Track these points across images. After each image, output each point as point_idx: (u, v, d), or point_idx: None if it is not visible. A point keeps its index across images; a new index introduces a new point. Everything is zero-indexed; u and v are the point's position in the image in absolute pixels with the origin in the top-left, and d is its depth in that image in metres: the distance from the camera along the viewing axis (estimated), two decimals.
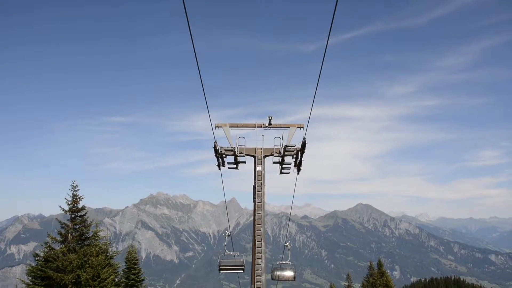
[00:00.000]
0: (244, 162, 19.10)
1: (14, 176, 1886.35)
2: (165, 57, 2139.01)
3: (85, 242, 26.01)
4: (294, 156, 18.49)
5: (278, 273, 19.63)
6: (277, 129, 18.81)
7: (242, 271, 18.86)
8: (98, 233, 26.61)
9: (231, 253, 19.35)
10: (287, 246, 20.91)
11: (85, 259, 24.41)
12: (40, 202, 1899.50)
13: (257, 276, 16.75)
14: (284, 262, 20.00)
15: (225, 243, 20.01)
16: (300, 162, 18.57)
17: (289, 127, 18.71)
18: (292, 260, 20.05)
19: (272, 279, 19.86)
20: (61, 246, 25.16)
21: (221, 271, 19.29)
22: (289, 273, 19.71)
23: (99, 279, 23.72)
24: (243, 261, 18.75)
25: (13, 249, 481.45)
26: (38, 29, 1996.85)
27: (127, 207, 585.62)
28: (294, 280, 19.90)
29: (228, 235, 20.96)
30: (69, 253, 24.46)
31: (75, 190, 26.04)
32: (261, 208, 17.70)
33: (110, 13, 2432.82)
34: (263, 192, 17.99)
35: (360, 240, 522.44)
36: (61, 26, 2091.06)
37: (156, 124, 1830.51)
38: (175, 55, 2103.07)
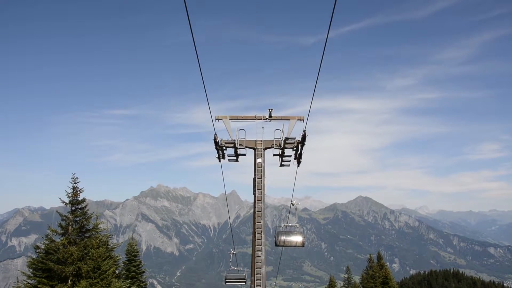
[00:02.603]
0: (244, 155, 19.06)
1: (15, 169, 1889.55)
2: (165, 50, 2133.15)
3: (85, 235, 26.01)
4: (294, 148, 18.42)
5: (283, 238, 17.65)
6: (278, 121, 18.74)
7: (244, 283, 20.84)
8: (99, 226, 26.59)
9: (235, 268, 21.85)
10: (293, 204, 18.64)
11: (86, 251, 24.44)
12: (40, 194, 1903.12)
13: (257, 268, 16.78)
14: (290, 224, 18.35)
15: (230, 260, 22.59)
16: (300, 154, 18.49)
17: (289, 120, 18.64)
18: (299, 222, 17.71)
19: (276, 245, 17.90)
20: (61, 238, 25.16)
21: (226, 283, 21.14)
22: (296, 238, 17.64)
23: (100, 271, 23.76)
24: (245, 275, 20.84)
25: (14, 241, 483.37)
26: (39, 24, 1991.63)
27: (127, 199, 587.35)
28: (303, 246, 17.70)
29: (233, 253, 23.50)
30: (69, 245, 24.49)
31: (75, 183, 25.98)
32: (261, 200, 17.69)
33: (110, 7, 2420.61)
34: (263, 184, 17.97)
35: (359, 232, 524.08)
36: (62, 21, 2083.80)
37: (156, 117, 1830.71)
38: (175, 48, 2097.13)
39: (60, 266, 23.58)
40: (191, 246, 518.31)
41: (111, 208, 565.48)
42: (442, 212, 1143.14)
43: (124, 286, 26.23)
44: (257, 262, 16.81)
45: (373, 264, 60.15)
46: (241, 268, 21.66)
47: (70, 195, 25.85)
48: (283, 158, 18.97)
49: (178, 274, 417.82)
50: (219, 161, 19.13)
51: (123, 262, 37.27)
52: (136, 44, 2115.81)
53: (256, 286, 16.63)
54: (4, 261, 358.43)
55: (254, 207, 17.75)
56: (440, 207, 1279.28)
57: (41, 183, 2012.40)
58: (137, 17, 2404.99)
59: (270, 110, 18.54)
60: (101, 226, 26.89)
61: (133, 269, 38.18)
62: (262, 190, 17.79)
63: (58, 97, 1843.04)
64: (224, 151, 18.83)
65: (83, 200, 26.25)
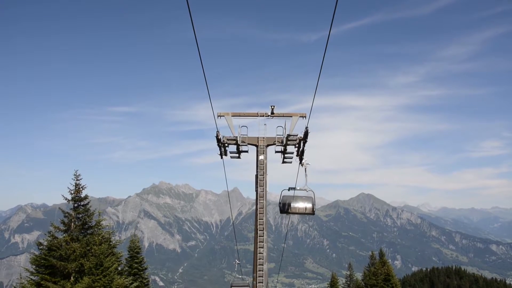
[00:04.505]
0: (247, 152, 19.04)
1: (17, 166, 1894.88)
2: (167, 47, 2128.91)
3: (88, 231, 26.08)
4: (297, 145, 18.39)
5: (290, 203, 15.82)
6: (280, 118, 18.71)
7: None
8: (101, 222, 26.65)
9: (240, 276, 22.84)
10: (302, 165, 16.04)
11: (88, 248, 24.51)
12: (43, 191, 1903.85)
13: (259, 265, 16.79)
14: (298, 188, 16.70)
15: (235, 269, 23.29)
16: (303, 151, 18.44)
17: (291, 117, 18.60)
18: (308, 185, 15.38)
19: (281, 212, 16.21)
20: (64, 235, 25.24)
21: None
22: (305, 204, 15.75)
23: (102, 267, 23.83)
24: (248, 283, 21.18)
25: (17, 238, 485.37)
26: (40, 22, 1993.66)
27: (129, 196, 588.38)
28: (313, 213, 15.54)
29: (238, 263, 24.90)
30: (72, 242, 24.57)
31: (77, 180, 26.03)
32: (263, 197, 17.68)
33: (112, 4, 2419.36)
34: (265, 181, 17.95)
35: (362, 229, 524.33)
36: (62, 19, 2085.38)
37: (158, 114, 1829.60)
38: (177, 45, 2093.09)
39: (62, 263, 23.67)
40: (193, 243, 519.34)
41: (113, 205, 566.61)
42: (444, 209, 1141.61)
43: (126, 283, 26.30)
44: (259, 259, 16.82)
45: (375, 261, 60.13)
46: (245, 277, 22.50)
47: (72, 192, 25.92)
48: (285, 155, 18.92)
49: (180, 270, 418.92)
50: (221, 158, 19.10)
51: (126, 259, 37.42)
52: (138, 41, 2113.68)
53: (258, 283, 16.66)
54: (7, 258, 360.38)
55: (256, 204, 17.74)
56: (442, 204, 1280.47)
57: (44, 180, 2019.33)
58: (138, 15, 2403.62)
59: (272, 107, 18.51)
60: (104, 223, 26.96)
61: (136, 265, 38.32)
62: (264, 187, 17.77)
63: (59, 94, 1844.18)
64: (226, 148, 18.81)
65: (86, 197, 26.32)
